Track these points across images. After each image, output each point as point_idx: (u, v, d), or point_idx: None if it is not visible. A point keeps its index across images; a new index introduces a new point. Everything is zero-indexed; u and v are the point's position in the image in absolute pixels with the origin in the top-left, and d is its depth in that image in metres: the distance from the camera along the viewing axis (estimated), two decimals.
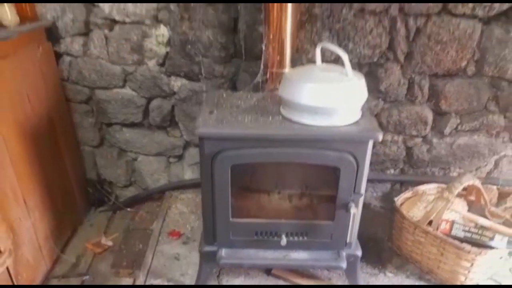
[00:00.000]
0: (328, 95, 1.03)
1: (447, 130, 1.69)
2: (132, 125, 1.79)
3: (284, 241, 1.21)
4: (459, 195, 1.45)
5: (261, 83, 1.43)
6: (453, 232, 1.32)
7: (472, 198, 1.47)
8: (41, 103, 1.50)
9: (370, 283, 1.43)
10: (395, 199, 1.48)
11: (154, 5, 1.51)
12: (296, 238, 1.23)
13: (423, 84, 1.61)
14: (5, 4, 1.33)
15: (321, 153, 1.05)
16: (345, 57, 1.05)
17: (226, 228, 1.20)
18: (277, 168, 1.43)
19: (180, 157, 1.87)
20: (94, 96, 1.72)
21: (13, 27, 1.36)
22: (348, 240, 1.20)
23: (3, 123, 1.26)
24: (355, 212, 1.13)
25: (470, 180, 1.30)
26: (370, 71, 1.60)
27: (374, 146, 1.14)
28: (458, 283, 1.35)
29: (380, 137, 1.04)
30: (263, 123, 1.09)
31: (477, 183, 1.37)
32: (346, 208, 1.13)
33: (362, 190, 1.13)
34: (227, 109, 1.17)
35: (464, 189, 1.42)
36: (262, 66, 1.42)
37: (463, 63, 1.55)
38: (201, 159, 1.09)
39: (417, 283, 1.43)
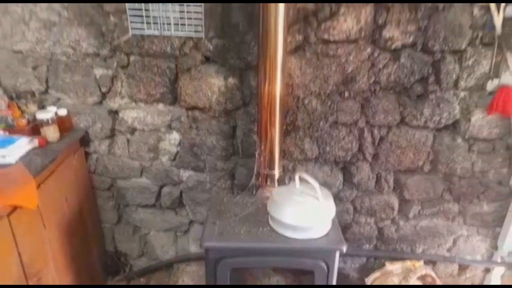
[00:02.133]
0: (304, 216, 1.35)
1: (411, 215, 2.02)
2: (146, 206, 2.11)
3: None
4: (420, 278, 1.76)
5: (255, 185, 1.76)
6: None
7: (429, 279, 1.78)
8: (74, 197, 1.83)
9: None
10: (366, 279, 1.79)
11: (169, 116, 1.86)
12: None
13: (388, 178, 1.94)
14: (51, 125, 1.68)
15: (300, 260, 1.37)
16: (316, 185, 1.38)
17: None
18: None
19: (186, 232, 2.18)
20: (115, 184, 2.04)
21: (56, 142, 1.71)
22: None
23: (49, 228, 1.57)
24: None
25: (423, 271, 1.61)
26: (345, 167, 1.94)
27: (341, 254, 1.45)
28: None
29: (344, 248, 1.36)
30: (255, 234, 1.41)
31: (429, 271, 1.68)
32: None
33: None
34: (227, 219, 1.50)
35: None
36: (255, 171, 1.76)
37: (420, 163, 1.90)
38: (206, 263, 1.40)
39: None
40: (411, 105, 1.77)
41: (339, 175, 1.95)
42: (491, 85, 1.67)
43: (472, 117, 1.76)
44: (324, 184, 1.93)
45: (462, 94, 1.74)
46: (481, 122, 1.77)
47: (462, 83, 1.71)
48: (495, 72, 1.65)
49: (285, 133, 1.85)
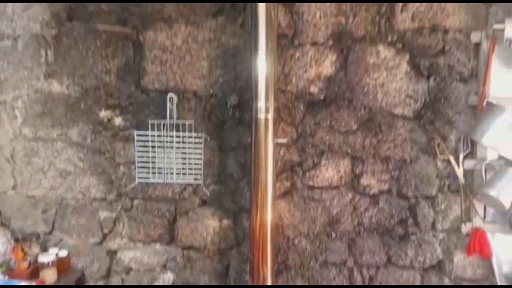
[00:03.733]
0: None
1: None
2: None
3: None
4: None
5: None
6: None
7: None
8: None
9: None
10: None
11: (164, 256, 1.94)
12: None
13: None
14: (50, 268, 1.74)
15: None
16: None
17: None
18: None
19: None
20: None
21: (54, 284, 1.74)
22: None
23: None
24: None
25: None
26: None
27: None
28: None
29: None
30: None
31: None
32: None
33: None
34: None
35: None
36: None
37: None
38: None
39: None
40: (395, 246, 1.87)
41: None
42: (465, 228, 1.81)
43: (454, 257, 1.85)
44: None
45: (441, 235, 1.86)
46: (464, 262, 1.85)
47: (439, 226, 1.85)
48: (467, 216, 1.80)
49: (277, 273, 1.90)
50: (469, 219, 1.80)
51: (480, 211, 1.76)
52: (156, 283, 1.95)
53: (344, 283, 1.90)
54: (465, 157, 1.77)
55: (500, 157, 1.70)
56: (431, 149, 1.81)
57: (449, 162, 1.79)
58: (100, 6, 1.82)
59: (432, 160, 1.82)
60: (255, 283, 1.75)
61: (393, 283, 1.88)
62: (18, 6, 1.83)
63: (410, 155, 1.82)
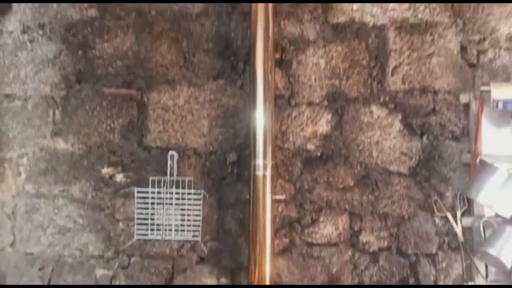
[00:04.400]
0: None
1: None
2: None
3: None
4: None
5: None
6: None
7: None
8: None
9: None
10: None
11: None
12: None
13: None
14: None
15: None
16: None
17: None
18: None
19: None
20: None
21: None
22: None
23: None
24: None
25: None
26: None
27: None
28: None
29: None
30: None
31: None
32: None
33: None
34: None
35: None
36: None
37: None
38: None
39: None
40: None
41: None
42: None
43: None
44: None
45: None
46: None
47: (441, 284, 1.81)
48: (468, 274, 1.77)
49: None
50: (471, 278, 1.76)
51: (482, 269, 1.73)
52: None
53: None
54: (462, 214, 1.78)
55: (497, 215, 1.71)
56: (428, 206, 1.82)
57: (447, 219, 1.79)
58: (107, 69, 1.94)
59: (430, 217, 1.82)
60: None
61: None
62: (31, 69, 1.95)
63: (407, 212, 1.83)
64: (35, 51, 1.96)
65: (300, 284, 1.84)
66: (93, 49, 1.94)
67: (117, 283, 1.88)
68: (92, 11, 1.95)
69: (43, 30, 1.97)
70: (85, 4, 1.95)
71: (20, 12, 1.98)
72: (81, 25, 1.96)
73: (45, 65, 1.96)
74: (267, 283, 1.68)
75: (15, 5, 1.98)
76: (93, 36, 1.95)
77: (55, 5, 1.97)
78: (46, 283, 1.89)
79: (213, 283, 1.87)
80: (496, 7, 1.83)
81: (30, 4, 1.97)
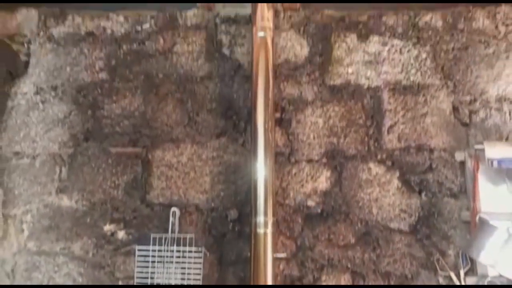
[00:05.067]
0: None
1: None
2: None
3: None
4: None
5: None
6: None
7: None
8: None
9: None
10: None
11: None
12: None
13: None
14: None
15: None
16: None
17: None
18: None
19: None
20: None
21: None
22: None
23: None
24: None
25: None
26: None
27: None
28: None
29: None
30: None
31: None
32: None
33: None
34: None
35: None
36: None
37: None
38: None
39: None
40: None
41: None
42: None
43: None
44: None
45: None
46: None
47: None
48: None
49: None
50: None
51: None
52: None
53: None
54: (466, 273, 1.75)
55: (501, 275, 1.69)
56: (431, 264, 1.80)
57: (450, 278, 1.77)
58: (115, 128, 2.02)
59: (433, 276, 1.79)
60: None
61: None
62: (41, 128, 2.04)
63: (410, 270, 1.80)
64: (46, 111, 2.06)
65: None
66: (102, 109, 2.05)
67: None
68: (103, 73, 2.08)
69: (56, 91, 2.08)
70: (97, 67, 2.08)
71: (35, 75, 2.11)
72: (92, 86, 2.08)
73: (55, 124, 2.05)
74: None
75: (30, 69, 2.12)
76: (103, 97, 2.06)
77: (68, 68, 2.10)
78: None
79: None
80: (484, 70, 1.95)
81: (45, 68, 2.11)
